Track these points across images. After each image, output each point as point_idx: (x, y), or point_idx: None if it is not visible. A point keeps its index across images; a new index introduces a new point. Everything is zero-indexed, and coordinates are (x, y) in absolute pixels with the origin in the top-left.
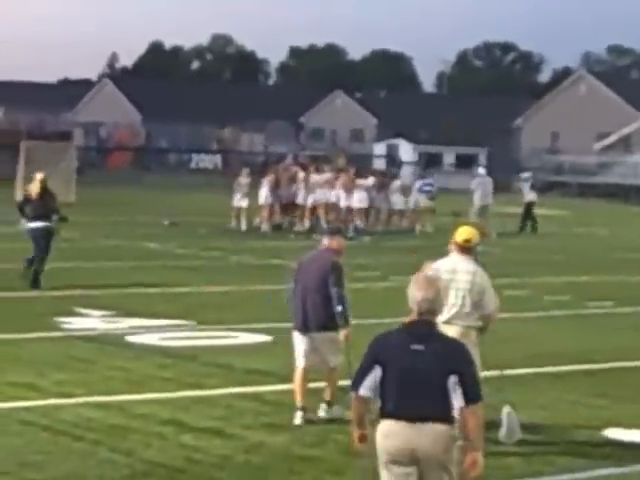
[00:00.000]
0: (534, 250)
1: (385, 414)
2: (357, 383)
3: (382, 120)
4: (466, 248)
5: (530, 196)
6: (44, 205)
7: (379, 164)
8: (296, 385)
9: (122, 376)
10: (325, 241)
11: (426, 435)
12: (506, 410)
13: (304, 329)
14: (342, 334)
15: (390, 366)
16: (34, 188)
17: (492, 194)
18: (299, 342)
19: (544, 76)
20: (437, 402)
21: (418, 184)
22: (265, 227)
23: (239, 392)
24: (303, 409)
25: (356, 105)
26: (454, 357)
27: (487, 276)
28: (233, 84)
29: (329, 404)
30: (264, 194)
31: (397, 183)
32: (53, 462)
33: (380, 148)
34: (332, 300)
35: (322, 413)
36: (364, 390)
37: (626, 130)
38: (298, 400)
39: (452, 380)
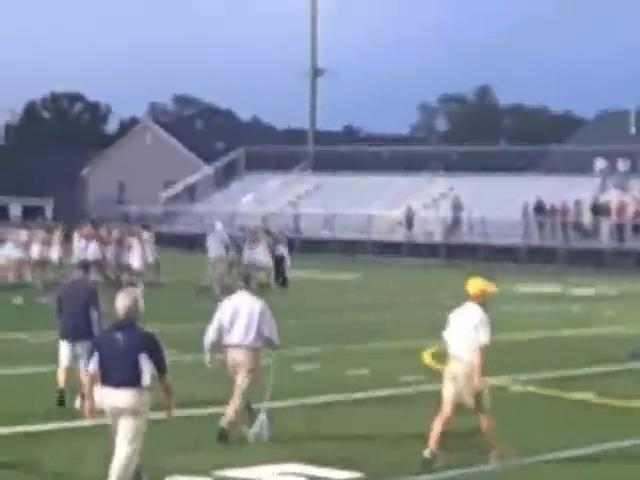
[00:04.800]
0: None
1: (101, 382)
2: (87, 364)
3: None
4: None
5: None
6: None
7: None
8: None
9: None
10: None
11: (122, 396)
12: (262, 416)
13: None
14: None
15: (103, 350)
16: None
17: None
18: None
19: (111, 126)
20: (131, 373)
21: None
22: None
23: None
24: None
25: None
26: (144, 342)
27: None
28: None
29: None
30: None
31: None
32: None
33: None
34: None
35: None
36: (91, 368)
37: (191, 179)
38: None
39: (143, 357)
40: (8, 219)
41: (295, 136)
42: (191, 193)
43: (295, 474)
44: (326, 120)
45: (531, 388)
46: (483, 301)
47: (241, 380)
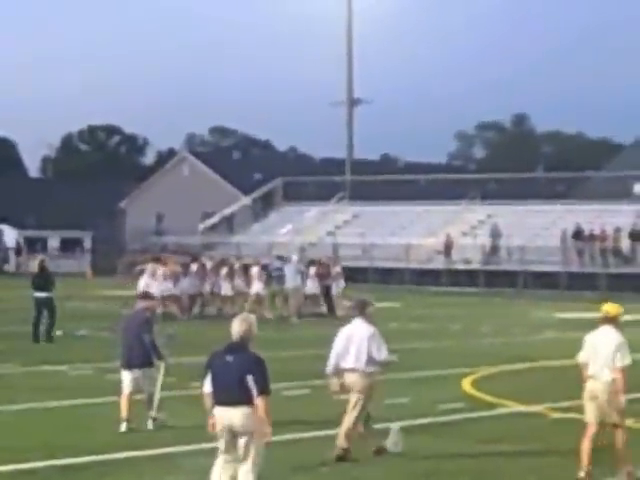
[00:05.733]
0: None
1: (215, 401)
2: (203, 384)
3: None
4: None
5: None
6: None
7: None
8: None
9: None
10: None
11: (235, 414)
12: (395, 427)
13: None
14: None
15: (214, 370)
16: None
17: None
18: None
19: (149, 158)
20: (241, 392)
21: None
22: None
23: None
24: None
25: None
26: (251, 364)
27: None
28: None
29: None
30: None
31: None
32: None
33: None
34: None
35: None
36: (206, 388)
37: (228, 210)
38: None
39: (249, 378)
40: (46, 251)
41: (332, 165)
42: (229, 224)
43: None
44: (363, 149)
45: (572, 415)
46: (618, 323)
47: (353, 402)
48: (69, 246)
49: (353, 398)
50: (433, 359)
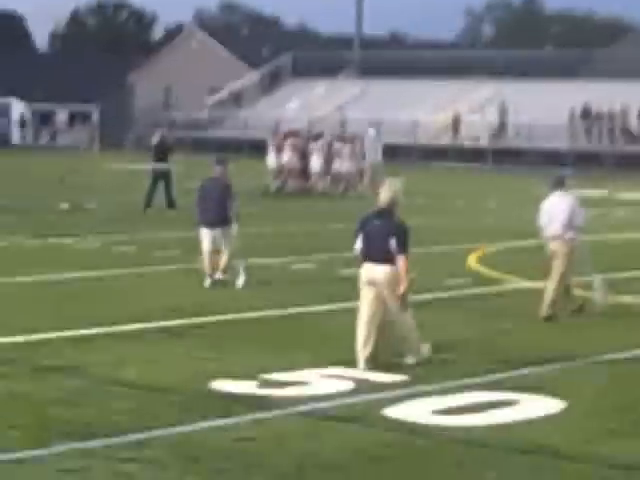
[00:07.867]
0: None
1: (364, 258)
2: (355, 243)
3: None
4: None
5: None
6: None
7: None
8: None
9: None
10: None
11: (379, 270)
12: (598, 280)
13: None
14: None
15: (365, 232)
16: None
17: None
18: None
19: (157, 33)
20: (385, 252)
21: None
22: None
23: None
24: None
25: None
26: (395, 228)
27: None
28: None
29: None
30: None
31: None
32: None
33: None
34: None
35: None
36: (357, 246)
37: (236, 85)
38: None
39: (393, 240)
40: (54, 124)
41: (341, 42)
42: (237, 99)
43: (343, 377)
44: (372, 26)
45: (577, 292)
46: None
47: (557, 266)
48: (77, 120)
49: (557, 263)
50: (439, 234)
